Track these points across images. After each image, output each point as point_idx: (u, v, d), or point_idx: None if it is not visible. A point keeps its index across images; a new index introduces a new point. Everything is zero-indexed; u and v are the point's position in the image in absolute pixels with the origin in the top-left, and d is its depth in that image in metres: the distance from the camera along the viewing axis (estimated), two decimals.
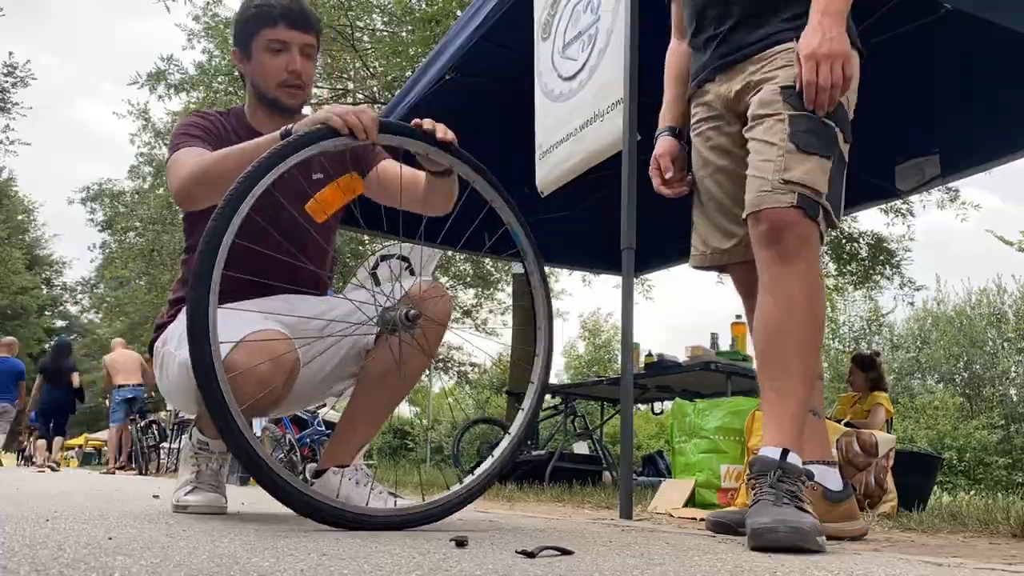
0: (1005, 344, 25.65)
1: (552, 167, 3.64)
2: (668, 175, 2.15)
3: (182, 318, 1.91)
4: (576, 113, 3.43)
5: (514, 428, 1.92)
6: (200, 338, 1.47)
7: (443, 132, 1.81)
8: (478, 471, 1.84)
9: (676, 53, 2.24)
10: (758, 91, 1.84)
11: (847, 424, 3.69)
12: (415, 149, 1.81)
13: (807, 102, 1.73)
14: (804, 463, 1.70)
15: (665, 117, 2.22)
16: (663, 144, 2.18)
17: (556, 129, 3.59)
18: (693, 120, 2.11)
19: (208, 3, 11.77)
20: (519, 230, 1.92)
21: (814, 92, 1.72)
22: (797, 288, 1.70)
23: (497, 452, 1.89)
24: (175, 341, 1.95)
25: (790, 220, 1.70)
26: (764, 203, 1.72)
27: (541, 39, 3.79)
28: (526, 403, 1.94)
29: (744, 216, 1.79)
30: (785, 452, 1.61)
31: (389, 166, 2.21)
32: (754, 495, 1.59)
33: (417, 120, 1.80)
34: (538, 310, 1.94)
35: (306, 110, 2.21)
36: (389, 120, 1.80)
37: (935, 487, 4.34)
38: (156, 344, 2.09)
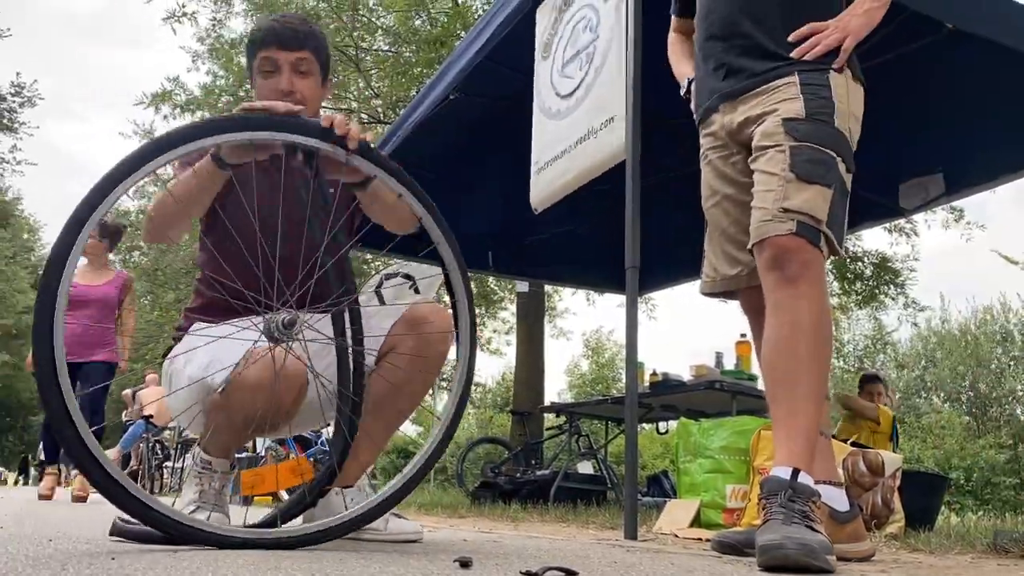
0: (1011, 363, 25.52)
1: (546, 183, 3.65)
2: None
3: (189, 337, 1.92)
4: (572, 130, 3.45)
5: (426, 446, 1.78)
6: (43, 340, 1.32)
7: (352, 132, 1.66)
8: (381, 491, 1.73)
9: (679, 41, 2.36)
10: (761, 123, 1.87)
11: (853, 444, 3.67)
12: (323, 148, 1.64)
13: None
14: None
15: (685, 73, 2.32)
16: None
17: (552, 146, 3.61)
18: (701, 150, 2.14)
19: (213, 24, 11.88)
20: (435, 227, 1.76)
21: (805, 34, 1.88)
22: (804, 309, 1.71)
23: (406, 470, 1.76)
24: (182, 359, 1.95)
25: (793, 247, 1.72)
26: (765, 232, 1.75)
27: (542, 58, 3.82)
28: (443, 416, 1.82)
29: (749, 246, 1.81)
30: (796, 472, 1.61)
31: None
32: (764, 515, 1.59)
33: (328, 116, 1.67)
34: (460, 314, 1.79)
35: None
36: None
37: (942, 507, 4.31)
38: (165, 363, 2.10)
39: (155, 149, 1.46)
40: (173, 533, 1.42)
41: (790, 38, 1.90)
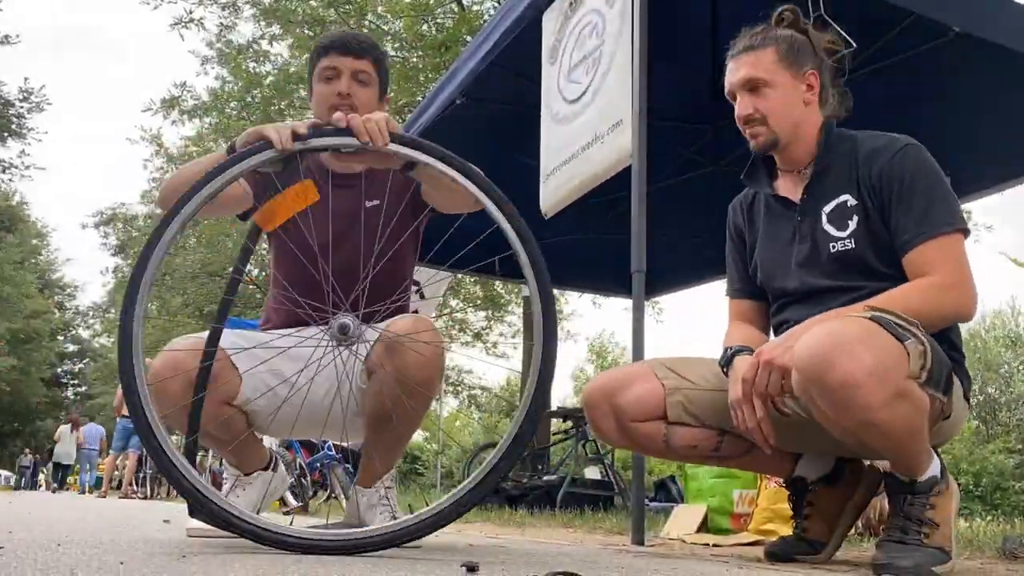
0: (1021, 367, 25.40)
1: (555, 189, 3.65)
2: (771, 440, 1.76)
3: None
4: (579, 135, 3.45)
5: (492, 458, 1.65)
6: (126, 356, 1.50)
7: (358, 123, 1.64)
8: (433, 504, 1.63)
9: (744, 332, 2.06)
10: None
11: None
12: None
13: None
14: None
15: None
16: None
17: (559, 151, 3.61)
18: None
19: (221, 30, 11.93)
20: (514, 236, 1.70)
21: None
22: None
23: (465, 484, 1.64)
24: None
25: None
26: None
27: (548, 63, 3.82)
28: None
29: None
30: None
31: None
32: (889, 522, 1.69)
33: (339, 115, 1.68)
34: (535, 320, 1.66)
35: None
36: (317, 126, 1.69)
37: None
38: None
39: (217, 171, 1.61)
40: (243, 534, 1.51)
41: None
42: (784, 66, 1.91)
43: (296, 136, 1.63)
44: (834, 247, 1.86)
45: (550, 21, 3.83)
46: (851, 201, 1.86)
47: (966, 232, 1.79)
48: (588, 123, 3.38)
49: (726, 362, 1.84)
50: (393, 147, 1.63)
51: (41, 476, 25.42)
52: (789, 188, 1.99)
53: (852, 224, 1.85)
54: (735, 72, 1.94)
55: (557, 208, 3.66)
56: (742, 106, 1.92)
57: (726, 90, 1.98)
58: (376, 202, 2.06)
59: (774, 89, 1.90)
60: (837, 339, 1.51)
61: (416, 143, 1.67)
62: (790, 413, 1.72)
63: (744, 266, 2.12)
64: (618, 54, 3.20)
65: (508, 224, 1.66)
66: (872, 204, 1.83)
